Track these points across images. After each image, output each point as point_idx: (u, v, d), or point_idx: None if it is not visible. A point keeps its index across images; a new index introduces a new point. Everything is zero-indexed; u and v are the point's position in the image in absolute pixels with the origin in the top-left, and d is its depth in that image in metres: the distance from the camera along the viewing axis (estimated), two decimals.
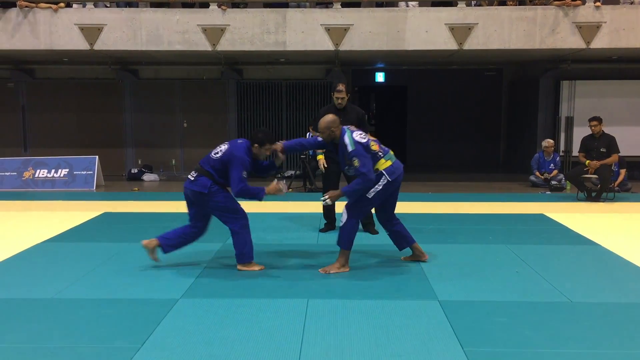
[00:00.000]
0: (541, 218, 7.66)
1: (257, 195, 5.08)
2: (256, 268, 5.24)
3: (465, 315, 4.06)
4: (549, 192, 10.13)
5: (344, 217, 5.11)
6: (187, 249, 5.84)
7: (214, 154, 5.14)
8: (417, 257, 5.54)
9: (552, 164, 10.72)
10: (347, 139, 5.02)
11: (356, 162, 4.96)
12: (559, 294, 4.53)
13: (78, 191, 10.46)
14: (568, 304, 4.33)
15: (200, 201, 5.13)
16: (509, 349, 3.51)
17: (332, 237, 6.41)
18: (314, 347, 3.53)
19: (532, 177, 10.83)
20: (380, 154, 5.15)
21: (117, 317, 4.03)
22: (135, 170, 12.23)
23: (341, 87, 6.64)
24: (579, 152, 9.42)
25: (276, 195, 5.17)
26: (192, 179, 5.14)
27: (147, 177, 12.07)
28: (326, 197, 5.18)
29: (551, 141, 10.90)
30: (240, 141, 5.20)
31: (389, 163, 5.16)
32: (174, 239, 5.31)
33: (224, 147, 5.16)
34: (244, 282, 4.86)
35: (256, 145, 5.14)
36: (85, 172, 10.85)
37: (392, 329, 3.80)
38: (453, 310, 4.13)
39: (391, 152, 5.30)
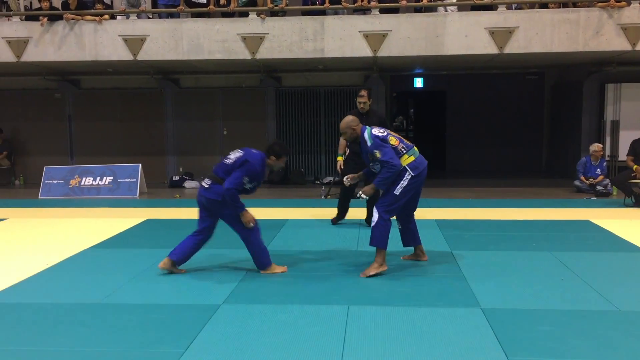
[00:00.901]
0: (586, 224, 7.47)
1: (237, 208, 5.15)
2: (278, 270, 5.32)
3: (509, 323, 3.99)
4: (594, 198, 9.88)
5: (375, 217, 5.17)
6: (229, 255, 5.91)
7: (227, 160, 5.22)
8: (417, 257, 5.70)
9: (598, 169, 10.46)
10: (366, 135, 5.22)
11: (378, 154, 5.10)
12: (607, 302, 4.42)
13: (122, 198, 10.69)
14: (616, 312, 4.22)
15: (214, 208, 5.19)
16: (555, 359, 3.43)
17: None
18: (356, 354, 3.52)
19: (576, 182, 10.57)
20: (402, 149, 5.24)
21: (162, 322, 4.11)
22: (177, 178, 12.43)
23: (363, 92, 7.33)
24: (627, 155, 9.18)
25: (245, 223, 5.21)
26: (207, 186, 5.21)
27: (188, 184, 12.25)
28: (361, 193, 5.26)
29: (600, 145, 10.61)
30: (255, 152, 5.28)
31: (411, 159, 5.25)
32: (186, 253, 5.36)
33: (238, 153, 5.24)
34: (285, 288, 4.88)
35: (273, 157, 5.25)
36: (128, 180, 11.08)
37: (434, 337, 3.76)
38: (496, 318, 4.06)
39: (415, 148, 5.38)
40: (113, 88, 13.18)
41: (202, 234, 5.36)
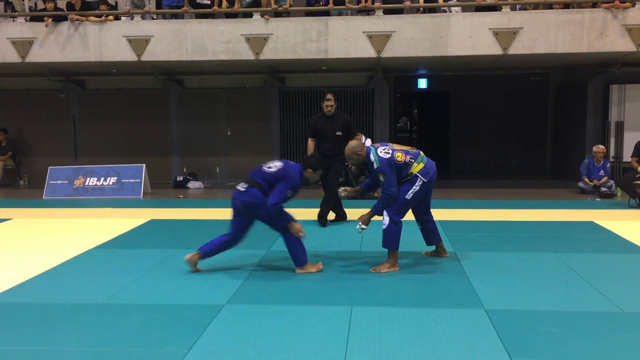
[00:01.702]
0: (591, 226, 7.46)
1: (286, 221, 5.23)
2: (313, 270, 5.35)
3: (513, 324, 3.99)
4: (598, 199, 9.86)
5: (386, 220, 5.27)
6: (233, 254, 5.92)
7: (267, 168, 5.29)
8: (439, 254, 5.84)
9: (601, 170, 10.43)
10: (372, 157, 5.32)
11: (382, 178, 5.26)
12: (611, 303, 4.41)
13: (126, 199, 10.72)
14: (620, 314, 4.21)
15: (250, 211, 5.24)
16: None
17: (375, 243, 6.40)
18: (359, 354, 3.52)
19: (580, 184, 10.55)
20: (411, 160, 5.36)
21: (165, 322, 4.12)
22: (181, 178, 12.46)
23: (330, 96, 7.49)
24: (631, 156, 9.16)
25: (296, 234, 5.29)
26: (243, 190, 5.25)
27: (192, 184, 12.28)
28: (360, 224, 5.37)
29: (602, 147, 10.59)
30: (293, 164, 5.38)
31: (421, 165, 5.39)
32: (212, 248, 5.45)
33: (278, 163, 5.32)
34: (288, 288, 4.89)
35: (310, 170, 5.32)
36: (133, 180, 11.10)
37: (437, 338, 3.76)
38: (500, 320, 4.06)
39: (422, 154, 5.51)
40: (117, 89, 13.22)
41: (230, 235, 5.43)
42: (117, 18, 10.51)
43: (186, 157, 13.26)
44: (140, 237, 7.11)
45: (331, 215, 7.88)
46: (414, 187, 5.30)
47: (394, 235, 5.28)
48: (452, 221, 7.79)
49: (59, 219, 8.58)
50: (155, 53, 10.28)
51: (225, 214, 8.68)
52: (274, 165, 5.29)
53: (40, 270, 5.51)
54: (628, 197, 9.13)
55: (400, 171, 5.32)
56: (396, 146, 5.48)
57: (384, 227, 5.29)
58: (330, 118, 7.51)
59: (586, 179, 10.44)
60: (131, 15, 10.52)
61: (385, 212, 5.28)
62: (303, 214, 7.74)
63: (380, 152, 5.32)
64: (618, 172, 11.25)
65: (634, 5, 9.49)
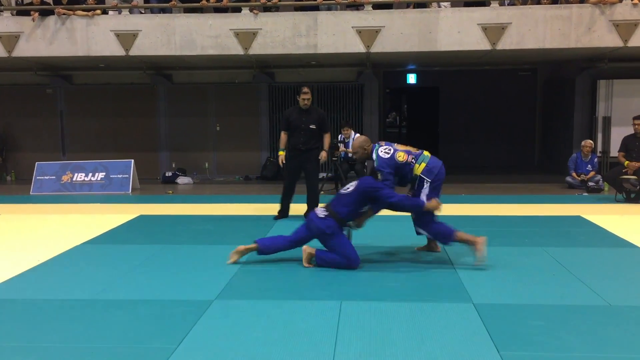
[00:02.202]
0: (578, 220, 7.51)
1: (418, 207, 5.36)
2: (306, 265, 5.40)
3: (501, 318, 4.01)
4: (586, 194, 9.93)
5: (424, 232, 5.50)
6: (222, 250, 5.92)
7: (343, 191, 5.42)
8: (431, 249, 5.85)
9: (589, 165, 10.50)
10: (374, 155, 5.41)
11: (379, 176, 5.34)
12: (598, 297, 4.45)
13: (114, 194, 10.66)
14: (607, 307, 4.25)
15: (320, 236, 5.34)
16: (546, 353, 3.45)
17: (363, 238, 6.42)
18: (348, 349, 3.53)
19: (568, 179, 10.62)
20: (412, 161, 5.41)
21: (154, 318, 4.10)
22: (170, 174, 12.40)
23: (307, 89, 7.50)
24: (618, 151, 9.23)
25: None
26: (322, 216, 5.34)
27: (181, 180, 12.23)
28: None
29: (590, 142, 10.66)
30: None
31: (423, 166, 5.42)
32: (272, 245, 5.50)
33: (353, 183, 5.46)
34: (278, 283, 4.89)
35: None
36: (121, 176, 11.04)
37: (426, 332, 3.78)
38: (488, 313, 4.08)
39: (425, 153, 5.52)
40: (105, 83, 13.13)
41: (293, 245, 5.46)
42: (104, 12, 10.42)
43: (175, 153, 13.20)
44: (128, 233, 7.07)
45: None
46: (423, 190, 5.40)
47: (442, 232, 5.42)
48: (441, 216, 7.80)
49: (47, 214, 8.52)
50: (143, 47, 10.21)
51: (214, 209, 8.70)
52: (350, 185, 5.43)
53: (28, 267, 5.46)
54: (615, 191, 9.20)
55: (401, 170, 5.38)
56: (400, 146, 5.52)
57: (430, 237, 5.51)
58: (305, 111, 7.50)
59: (574, 174, 10.51)
60: (119, 10, 10.44)
61: (424, 232, 5.48)
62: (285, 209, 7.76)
63: (381, 151, 5.39)
64: (605, 166, 11.34)
65: (621, 1, 9.55)
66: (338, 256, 5.28)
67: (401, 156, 5.37)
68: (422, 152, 5.52)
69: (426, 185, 5.39)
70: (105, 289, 4.77)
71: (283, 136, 7.61)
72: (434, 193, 5.43)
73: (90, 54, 10.33)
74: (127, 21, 10.25)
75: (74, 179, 11.06)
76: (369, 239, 6.29)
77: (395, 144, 5.57)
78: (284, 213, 7.72)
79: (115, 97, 13.17)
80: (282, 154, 7.56)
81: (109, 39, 10.22)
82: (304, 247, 5.42)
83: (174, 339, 3.70)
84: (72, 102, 13.23)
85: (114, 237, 6.85)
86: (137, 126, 13.14)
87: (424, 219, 5.47)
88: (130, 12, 10.46)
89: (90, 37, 10.23)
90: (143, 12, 10.66)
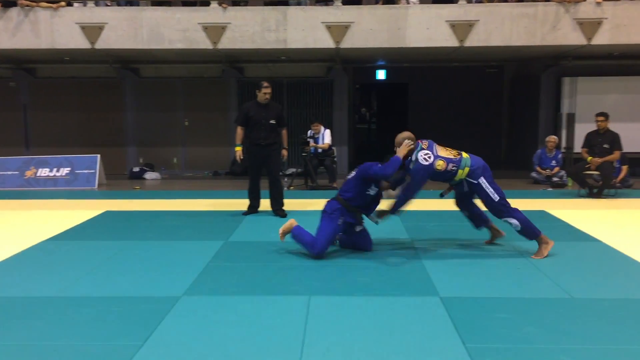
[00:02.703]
0: (543, 214, 7.65)
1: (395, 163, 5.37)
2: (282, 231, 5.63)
3: (467, 311, 4.07)
4: (550, 189, 10.13)
5: (514, 222, 5.42)
6: (190, 246, 5.88)
7: (349, 176, 5.66)
8: (495, 236, 5.94)
9: (553, 161, 10.72)
10: (414, 156, 5.37)
11: (408, 179, 5.43)
12: (560, 290, 4.54)
13: (80, 190, 10.48)
14: (569, 300, 4.34)
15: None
16: (510, 345, 3.51)
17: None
18: (316, 344, 3.54)
19: (533, 174, 10.82)
20: (454, 168, 5.42)
21: (119, 315, 4.05)
22: (137, 169, 12.25)
23: (267, 84, 7.45)
24: (582, 147, 9.42)
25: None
26: (330, 200, 5.64)
27: (149, 175, 12.09)
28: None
29: (554, 137, 10.88)
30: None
31: (467, 170, 5.47)
32: (301, 238, 5.55)
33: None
34: (246, 279, 4.87)
35: None
36: (87, 171, 10.86)
37: (393, 326, 3.81)
38: (454, 307, 4.14)
39: (464, 156, 5.53)
40: (70, 77, 12.89)
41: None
42: (69, 4, 10.22)
43: (142, 148, 13.04)
44: (94, 229, 6.96)
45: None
46: (485, 187, 5.44)
47: (529, 225, 5.42)
48: (410, 211, 7.86)
49: (9, 210, 8.32)
50: (109, 41, 10.05)
51: (182, 205, 8.62)
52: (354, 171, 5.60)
53: None
54: (578, 186, 9.40)
55: (439, 177, 5.43)
56: (441, 151, 5.43)
57: (519, 228, 5.44)
58: (264, 106, 7.44)
59: (538, 168, 10.71)
60: (84, 1, 10.24)
61: (509, 218, 5.42)
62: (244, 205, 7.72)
63: (421, 156, 5.32)
64: (569, 162, 11.57)
65: (585, 0, 9.74)
66: (309, 238, 5.40)
67: (440, 165, 5.34)
68: (462, 156, 5.48)
69: (483, 182, 5.42)
70: (69, 286, 4.69)
71: (240, 131, 7.49)
72: (492, 184, 5.47)
73: (54, 46, 10.12)
74: (92, 13, 10.07)
75: (38, 175, 10.83)
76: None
77: (436, 146, 5.47)
78: (253, 209, 7.70)
79: (80, 91, 12.93)
80: (239, 149, 7.49)
81: (73, 32, 10.03)
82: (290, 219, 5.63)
83: (139, 336, 3.66)
84: (36, 96, 12.94)
85: (79, 233, 6.73)
86: (103, 121, 12.93)
87: (502, 207, 5.45)
88: (96, 4, 10.28)
89: (55, 30, 10.02)
90: (109, 4, 10.48)
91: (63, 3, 10.07)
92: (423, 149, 5.40)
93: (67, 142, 12.63)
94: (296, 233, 5.53)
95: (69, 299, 4.40)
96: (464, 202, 5.82)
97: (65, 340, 3.62)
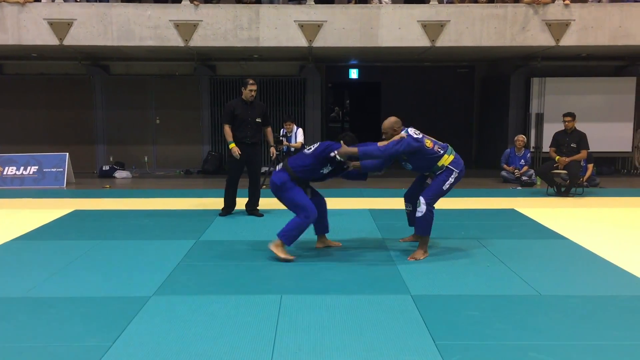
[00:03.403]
0: (512, 213, 7.77)
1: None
2: (282, 255, 5.31)
3: (438, 309, 4.11)
4: (519, 188, 10.28)
5: (423, 208, 5.38)
6: (160, 246, 5.82)
7: (307, 150, 5.52)
8: (417, 238, 5.82)
9: (522, 160, 10.88)
10: (404, 133, 5.43)
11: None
12: (529, 287, 4.61)
13: (48, 189, 10.29)
14: (537, 297, 4.41)
15: (276, 193, 5.42)
16: (480, 342, 3.56)
17: (305, 233, 6.42)
18: (287, 342, 3.54)
19: (503, 173, 10.97)
20: (440, 150, 5.46)
21: (88, 315, 3.99)
22: (107, 168, 12.07)
23: (253, 81, 7.35)
24: (550, 146, 9.58)
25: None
26: (277, 170, 5.48)
27: (119, 174, 11.92)
28: (337, 153, 5.34)
29: (522, 136, 11.05)
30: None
31: (452, 157, 5.50)
32: (290, 229, 5.42)
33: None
34: (217, 278, 4.84)
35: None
36: (55, 170, 10.67)
37: (365, 324, 3.83)
38: (425, 305, 4.17)
39: (450, 147, 5.60)
40: (38, 74, 12.63)
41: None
42: (37, 0, 10.01)
43: (112, 146, 12.85)
44: (62, 229, 6.84)
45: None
46: (450, 179, 5.42)
47: (429, 222, 5.41)
48: (381, 210, 7.93)
49: None
50: (78, 37, 9.88)
51: (153, 204, 8.52)
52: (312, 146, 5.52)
53: None
54: (547, 185, 9.57)
55: (425, 156, 5.39)
56: (428, 136, 5.56)
57: (420, 214, 5.39)
58: (250, 104, 7.37)
59: (505, 166, 10.86)
60: None
61: (422, 200, 5.37)
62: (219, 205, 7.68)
63: (412, 132, 5.44)
64: (538, 161, 11.77)
65: (553, 1, 9.91)
66: (296, 216, 5.32)
67: (428, 143, 5.40)
68: (448, 145, 5.58)
69: (453, 176, 5.43)
70: (37, 287, 4.60)
71: (228, 129, 7.31)
72: (453, 185, 5.49)
73: (21, 42, 9.91)
74: (61, 9, 9.89)
75: (5, 173, 10.60)
76: (311, 233, 6.31)
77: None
78: (229, 209, 7.58)
79: (48, 88, 12.69)
80: (234, 146, 7.22)
81: (41, 28, 9.83)
82: (270, 245, 5.41)
83: (109, 336, 3.61)
84: (2, 93, 12.64)
85: (46, 233, 6.61)
86: (72, 118, 12.71)
87: (435, 196, 5.46)
88: (65, 0, 10.09)
89: (22, 26, 9.81)
90: (78, 0, 10.30)
91: None
92: (412, 129, 5.53)
93: (35, 140, 12.37)
94: (284, 232, 5.33)
95: (36, 299, 4.32)
96: (413, 198, 5.78)
97: (32, 342, 3.55)
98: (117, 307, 4.12)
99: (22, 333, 3.69)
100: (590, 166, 10.10)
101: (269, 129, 7.64)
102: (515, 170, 10.75)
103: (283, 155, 10.43)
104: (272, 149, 7.70)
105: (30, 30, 9.84)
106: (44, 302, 4.26)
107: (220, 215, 7.49)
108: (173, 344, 3.51)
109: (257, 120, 7.38)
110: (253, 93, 7.33)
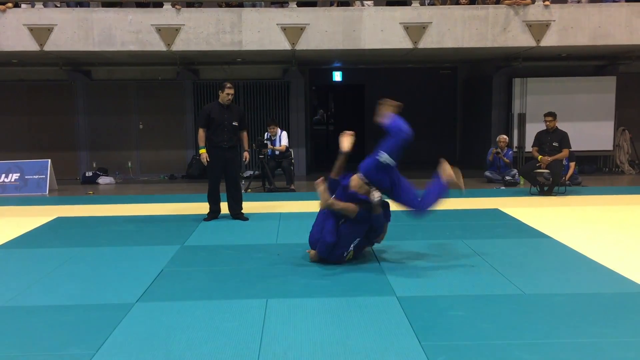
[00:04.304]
0: (496, 213, 7.82)
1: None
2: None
3: (423, 310, 4.12)
4: (503, 187, 10.36)
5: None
6: (144, 252, 5.77)
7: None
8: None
9: (505, 157, 10.97)
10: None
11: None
12: (513, 286, 4.64)
13: (30, 196, 10.18)
14: (522, 295, 4.44)
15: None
16: (465, 342, 3.57)
17: (291, 237, 6.43)
18: (273, 347, 3.53)
19: (487, 173, 11.04)
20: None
21: (71, 323, 3.95)
22: (90, 174, 11.96)
23: (230, 84, 7.35)
24: (532, 146, 9.66)
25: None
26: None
27: (103, 180, 11.82)
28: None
29: (504, 136, 11.14)
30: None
31: None
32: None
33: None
34: (202, 284, 4.81)
35: None
36: (37, 177, 10.56)
37: (350, 326, 3.83)
38: (410, 306, 4.18)
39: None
40: (19, 80, 12.50)
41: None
42: (16, 5, 9.91)
43: (95, 152, 12.74)
44: (45, 236, 6.77)
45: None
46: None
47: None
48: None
49: None
50: (59, 43, 9.80)
51: (137, 209, 8.46)
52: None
53: None
54: (530, 185, 9.64)
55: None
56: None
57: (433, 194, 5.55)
58: (226, 108, 7.34)
59: (490, 157, 10.94)
60: (32, 2, 9.95)
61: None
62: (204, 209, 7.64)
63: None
64: (521, 161, 11.86)
65: (533, 2, 10.00)
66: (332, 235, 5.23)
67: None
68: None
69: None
70: (19, 295, 4.54)
71: (202, 133, 7.35)
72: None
73: (1, 49, 9.81)
74: (41, 15, 9.80)
75: None
76: (295, 237, 6.31)
77: None
78: (215, 214, 7.53)
79: (30, 94, 12.56)
80: (204, 151, 7.31)
81: (21, 34, 9.74)
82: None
83: (92, 344, 3.57)
84: None
85: (28, 240, 6.54)
86: (54, 125, 12.59)
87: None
88: (45, 5, 10.01)
89: (1, 32, 9.71)
90: (58, 5, 10.21)
91: (10, 4, 9.77)
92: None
93: (16, 147, 12.23)
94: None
95: (19, 308, 4.27)
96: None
97: (16, 351, 3.51)
98: (100, 315, 4.08)
99: (4, 342, 3.64)
100: (572, 164, 10.21)
101: (245, 133, 7.59)
102: (498, 154, 10.87)
103: (268, 159, 10.42)
104: (246, 154, 7.67)
105: (10, 36, 9.73)
106: (26, 310, 4.21)
107: (206, 220, 7.45)
108: (158, 351, 3.48)
109: (234, 123, 7.36)
110: (230, 97, 7.32)
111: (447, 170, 5.27)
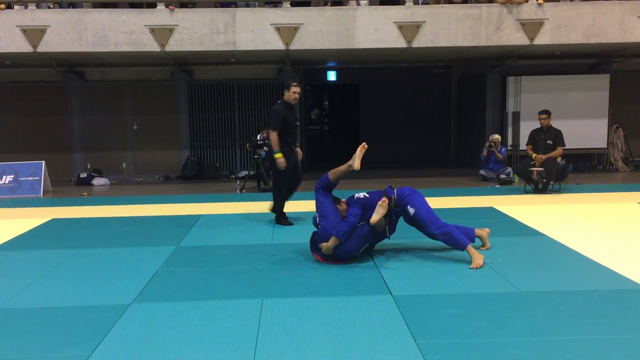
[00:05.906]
0: (491, 211, 7.84)
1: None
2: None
3: (418, 308, 4.13)
4: (498, 186, 10.38)
5: (438, 231, 5.41)
6: (139, 253, 5.76)
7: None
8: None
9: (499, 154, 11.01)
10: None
11: None
12: (508, 284, 4.65)
13: (24, 198, 10.15)
14: (517, 293, 4.45)
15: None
16: (461, 340, 3.58)
17: (286, 237, 6.43)
18: (269, 346, 3.53)
19: (481, 172, 11.07)
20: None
21: (67, 325, 3.94)
22: (85, 175, 11.94)
23: (296, 83, 7.01)
24: (527, 144, 9.69)
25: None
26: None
27: (97, 181, 11.80)
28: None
29: (497, 136, 11.16)
30: None
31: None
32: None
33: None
34: (197, 284, 4.81)
35: None
36: (31, 178, 10.53)
37: (346, 325, 3.83)
38: (406, 305, 4.19)
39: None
40: (12, 82, 12.46)
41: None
42: (9, 6, 9.88)
43: (90, 153, 12.72)
44: (39, 238, 6.75)
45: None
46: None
47: (457, 235, 5.37)
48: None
49: None
50: (52, 44, 9.77)
51: (132, 210, 8.44)
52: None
53: None
54: (524, 183, 9.67)
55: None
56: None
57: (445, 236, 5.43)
58: (293, 108, 7.11)
59: (485, 152, 10.94)
60: (25, 4, 9.92)
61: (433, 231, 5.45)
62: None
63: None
64: (515, 159, 11.89)
65: (527, 1, 10.03)
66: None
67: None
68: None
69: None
70: (13, 297, 4.53)
71: (277, 137, 6.82)
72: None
73: None
74: (34, 16, 9.77)
75: None
76: (291, 237, 6.32)
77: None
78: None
79: (23, 95, 12.53)
80: (281, 156, 6.81)
81: (14, 35, 9.70)
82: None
83: (87, 346, 3.56)
84: None
85: (23, 242, 6.52)
86: (48, 126, 12.55)
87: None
88: (38, 6, 9.97)
89: None
90: (51, 6, 10.17)
91: (2, 6, 9.73)
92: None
93: (10, 149, 12.20)
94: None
95: (13, 310, 4.25)
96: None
97: (11, 353, 3.50)
98: (95, 316, 4.07)
99: None
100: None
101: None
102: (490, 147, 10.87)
103: (262, 160, 10.41)
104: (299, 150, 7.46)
105: (2, 37, 9.70)
106: (21, 312, 4.20)
107: (289, 224, 7.11)
108: (153, 352, 3.47)
109: (297, 123, 7.28)
110: (297, 95, 6.95)
111: (476, 260, 5.21)
